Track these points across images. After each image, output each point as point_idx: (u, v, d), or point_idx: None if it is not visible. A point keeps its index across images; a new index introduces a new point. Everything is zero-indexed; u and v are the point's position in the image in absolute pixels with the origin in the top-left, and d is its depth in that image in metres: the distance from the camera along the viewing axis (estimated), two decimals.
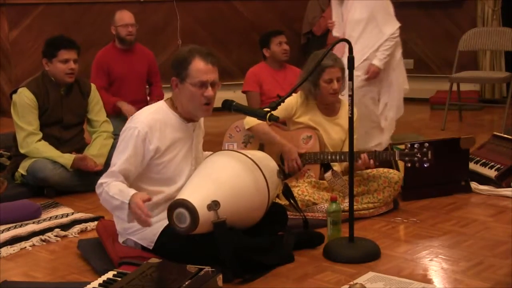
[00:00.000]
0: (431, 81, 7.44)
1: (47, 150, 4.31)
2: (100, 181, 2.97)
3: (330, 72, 3.83)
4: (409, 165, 3.68)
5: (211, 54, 3.03)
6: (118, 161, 2.95)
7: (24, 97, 4.31)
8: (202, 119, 3.23)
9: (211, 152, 3.24)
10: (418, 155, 3.63)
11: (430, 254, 3.18)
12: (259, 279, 2.90)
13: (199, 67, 2.96)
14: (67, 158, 4.31)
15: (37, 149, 4.30)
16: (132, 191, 2.86)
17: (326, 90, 3.86)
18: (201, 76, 2.96)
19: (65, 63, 4.33)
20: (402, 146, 3.85)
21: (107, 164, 4.31)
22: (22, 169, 4.36)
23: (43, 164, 4.26)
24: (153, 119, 3.00)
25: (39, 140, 4.32)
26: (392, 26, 4.71)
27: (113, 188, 2.90)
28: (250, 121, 3.93)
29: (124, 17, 5.36)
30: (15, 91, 4.38)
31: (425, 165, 3.64)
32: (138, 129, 2.95)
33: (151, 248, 3.01)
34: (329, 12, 6.98)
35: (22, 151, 4.34)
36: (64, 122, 4.45)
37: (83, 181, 4.34)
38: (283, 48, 5.16)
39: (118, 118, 5.05)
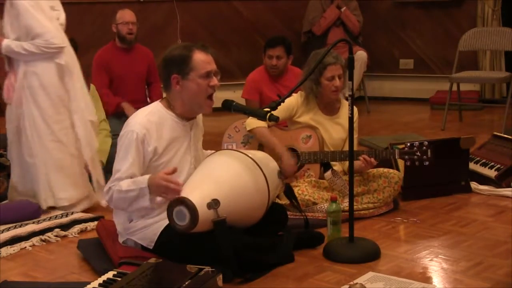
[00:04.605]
0: (431, 81, 7.44)
1: None
2: (107, 186, 2.98)
3: (332, 70, 3.84)
4: (408, 163, 3.69)
5: (206, 45, 3.07)
6: (123, 168, 2.94)
7: None
8: (200, 118, 3.23)
9: (212, 151, 3.24)
10: (418, 153, 3.64)
11: (430, 254, 3.18)
12: (259, 279, 2.90)
13: (202, 58, 3.00)
14: None
15: None
16: (146, 176, 2.89)
17: (328, 88, 3.87)
18: (206, 66, 3.00)
19: None
20: (402, 146, 3.85)
21: (107, 163, 4.33)
22: None
23: None
24: (149, 121, 3.00)
25: None
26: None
27: (124, 184, 2.91)
28: (251, 123, 3.92)
29: (125, 15, 5.36)
30: None
31: (425, 164, 3.64)
32: (136, 132, 2.95)
33: (151, 248, 3.01)
34: (330, 12, 7.02)
35: None
36: None
37: None
38: (271, 62, 5.05)
39: (116, 116, 5.05)
